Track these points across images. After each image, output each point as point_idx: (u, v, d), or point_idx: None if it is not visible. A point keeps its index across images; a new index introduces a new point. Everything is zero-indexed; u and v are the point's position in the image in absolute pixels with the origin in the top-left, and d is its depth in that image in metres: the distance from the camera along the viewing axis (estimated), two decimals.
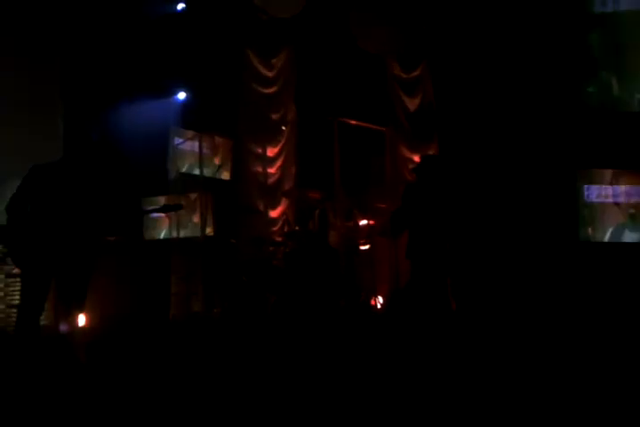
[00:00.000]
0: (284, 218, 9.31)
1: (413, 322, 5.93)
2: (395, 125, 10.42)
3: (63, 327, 4.43)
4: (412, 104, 10.65)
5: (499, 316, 7.72)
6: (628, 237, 10.13)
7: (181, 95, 9.68)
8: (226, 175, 9.99)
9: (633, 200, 10.26)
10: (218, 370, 4.99)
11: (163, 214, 8.51)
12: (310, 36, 9.46)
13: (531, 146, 9.57)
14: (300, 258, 8.16)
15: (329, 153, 9.53)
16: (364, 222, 9.33)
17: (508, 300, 8.37)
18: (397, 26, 10.01)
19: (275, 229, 9.26)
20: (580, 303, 8.18)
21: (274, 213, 9.42)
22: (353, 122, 9.73)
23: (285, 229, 9.06)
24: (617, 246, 9.86)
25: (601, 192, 10.22)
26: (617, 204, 10.23)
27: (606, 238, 10.12)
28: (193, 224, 9.45)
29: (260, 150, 9.42)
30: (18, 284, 5.03)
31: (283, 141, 9.66)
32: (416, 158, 9.74)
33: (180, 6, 9.10)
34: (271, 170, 9.51)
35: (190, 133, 9.60)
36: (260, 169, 9.37)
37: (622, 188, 10.29)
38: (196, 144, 9.43)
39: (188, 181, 9.50)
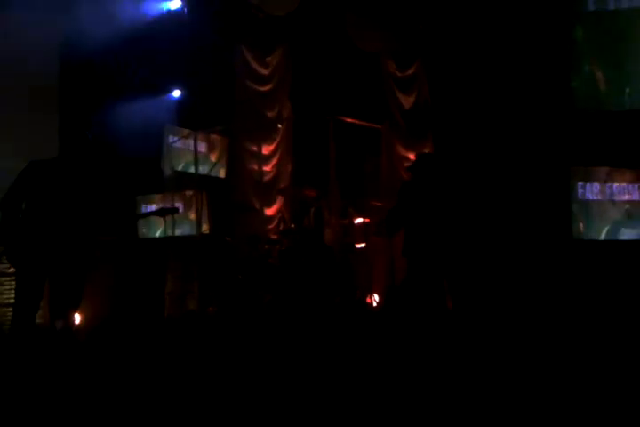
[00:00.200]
0: (280, 216, 9.31)
1: (409, 320, 5.94)
2: (390, 123, 10.42)
3: (58, 325, 4.42)
4: (407, 102, 10.65)
5: (495, 314, 7.73)
6: (624, 234, 10.17)
7: (176, 93, 9.68)
8: (221, 173, 10.00)
9: (627, 198, 10.31)
10: (213, 368, 4.99)
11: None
12: (305, 34, 9.45)
13: (525, 144, 9.58)
14: (295, 256, 8.15)
15: (324, 151, 9.52)
16: (359, 220, 9.32)
17: (505, 298, 8.39)
18: (393, 26, 10.02)
19: (270, 227, 9.26)
20: (576, 301, 8.20)
21: (269, 211, 9.42)
22: (348, 120, 9.73)
23: (281, 227, 9.05)
24: (612, 244, 9.89)
25: (595, 190, 10.25)
26: (612, 201, 10.27)
27: (602, 236, 10.16)
28: (189, 222, 9.46)
29: (255, 148, 9.42)
30: (12, 282, 5.02)
31: (278, 139, 9.66)
32: (411, 156, 9.75)
33: (176, 4, 9.08)
34: (266, 168, 9.51)
35: (185, 131, 9.60)
36: (255, 167, 9.37)
37: (616, 185, 10.33)
38: (191, 142, 9.43)
39: (184, 179, 9.51)
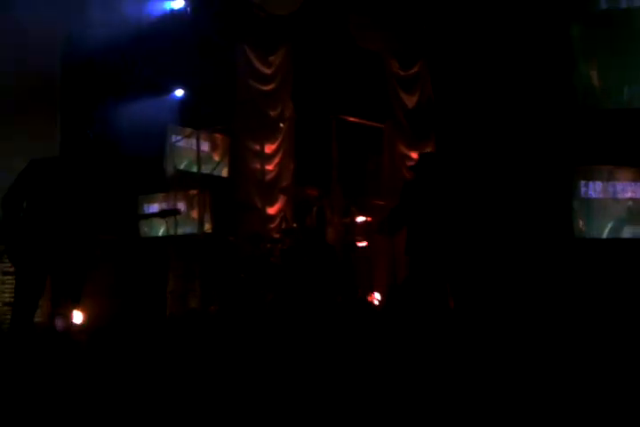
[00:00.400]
0: (282, 215, 9.31)
1: (411, 319, 5.94)
2: (393, 123, 10.42)
3: (59, 324, 4.43)
4: (410, 101, 10.65)
5: (496, 312, 7.73)
6: (626, 232, 10.15)
7: (179, 92, 9.68)
8: (224, 172, 10.01)
9: (629, 196, 10.29)
10: (215, 367, 5.00)
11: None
12: (308, 33, 9.45)
13: (528, 143, 9.57)
14: (297, 255, 8.16)
15: (327, 150, 9.54)
16: (361, 219, 9.32)
17: (506, 296, 8.38)
18: (396, 26, 10.02)
19: (272, 226, 9.27)
20: (578, 299, 8.19)
21: (271, 210, 9.43)
22: (351, 119, 9.73)
23: (283, 226, 9.05)
24: (614, 242, 9.87)
25: (597, 188, 10.24)
26: (614, 200, 10.26)
27: (604, 234, 10.14)
28: (191, 221, 9.47)
29: (257, 147, 9.43)
30: (12, 281, 5.03)
31: (280, 138, 9.67)
32: (414, 155, 9.75)
33: (179, 4, 9.09)
34: (269, 167, 9.52)
35: (188, 131, 9.61)
36: (257, 166, 9.38)
37: (619, 184, 10.31)
38: (194, 141, 9.44)
39: (186, 179, 9.52)
